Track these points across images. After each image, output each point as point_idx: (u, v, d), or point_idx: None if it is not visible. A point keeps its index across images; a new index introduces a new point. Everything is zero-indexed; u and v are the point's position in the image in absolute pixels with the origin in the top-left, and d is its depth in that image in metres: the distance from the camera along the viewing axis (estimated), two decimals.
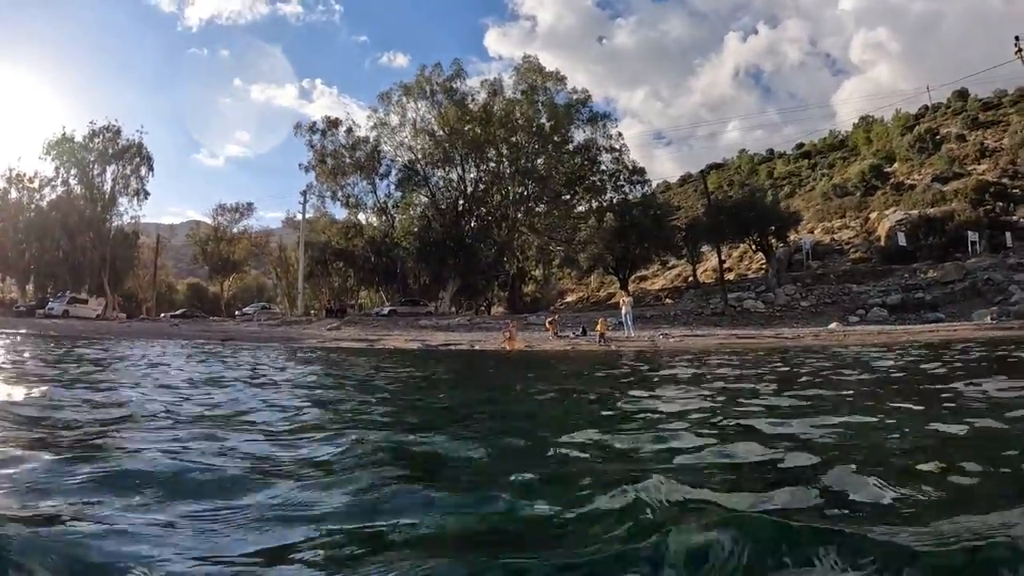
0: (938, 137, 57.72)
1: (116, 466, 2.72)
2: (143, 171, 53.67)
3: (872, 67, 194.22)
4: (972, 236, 36.19)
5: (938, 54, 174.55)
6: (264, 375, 9.56)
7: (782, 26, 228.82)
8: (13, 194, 52.68)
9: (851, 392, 6.84)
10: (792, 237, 44.80)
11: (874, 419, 4.45)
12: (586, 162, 48.91)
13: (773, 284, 37.68)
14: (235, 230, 64.62)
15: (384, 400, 6.74)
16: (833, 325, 26.56)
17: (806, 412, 4.97)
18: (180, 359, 12.94)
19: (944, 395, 6.04)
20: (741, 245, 47.36)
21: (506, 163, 49.20)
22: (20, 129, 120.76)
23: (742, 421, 4.53)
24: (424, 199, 52.20)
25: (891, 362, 11.01)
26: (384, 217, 53.08)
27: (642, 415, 5.24)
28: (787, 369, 10.58)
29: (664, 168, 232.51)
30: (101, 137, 52.49)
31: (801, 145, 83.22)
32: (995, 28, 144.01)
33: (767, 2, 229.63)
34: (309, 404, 5.88)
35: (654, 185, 58.79)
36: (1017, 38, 33.08)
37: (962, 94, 68.72)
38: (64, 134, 51.83)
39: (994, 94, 66.04)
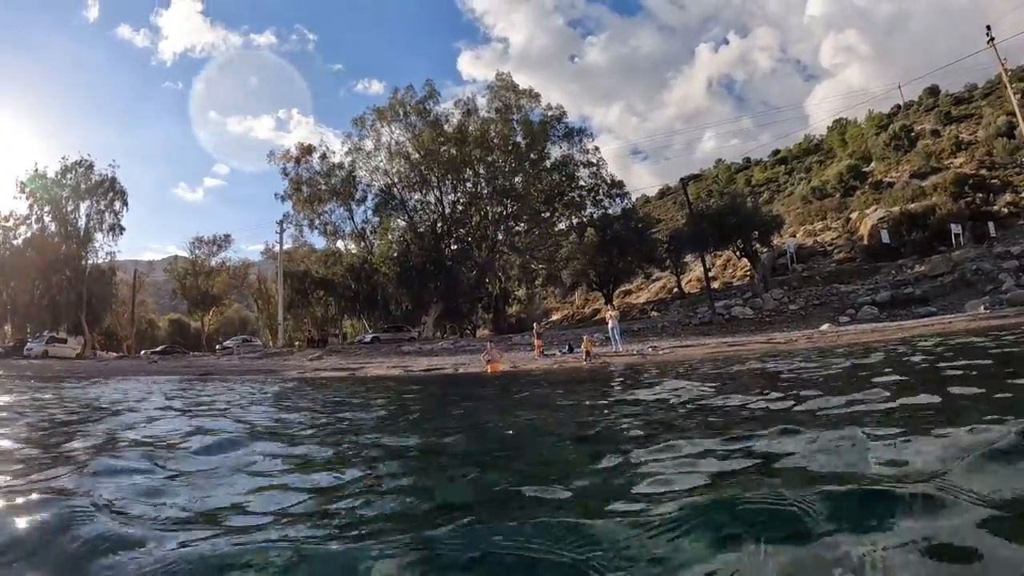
0: (913, 134, 58.06)
1: None
2: (117, 206, 52.34)
3: (843, 70, 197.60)
4: (955, 229, 36.11)
5: (907, 52, 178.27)
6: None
7: (752, 35, 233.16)
8: None
9: None
10: (775, 241, 44.44)
11: None
12: (564, 178, 48.26)
13: (760, 289, 37.22)
14: (213, 263, 63.36)
15: None
16: (825, 326, 26.04)
17: None
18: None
19: None
20: (724, 253, 46.96)
21: (483, 183, 48.62)
22: None
23: None
24: (402, 223, 51.31)
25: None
26: (362, 243, 52.18)
27: None
28: None
29: (642, 182, 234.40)
30: (74, 172, 51.19)
31: (777, 151, 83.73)
32: (961, 23, 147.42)
33: (736, 12, 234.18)
34: None
35: (633, 199, 58.39)
36: (989, 27, 33.45)
37: (933, 90, 69.69)
38: (37, 171, 50.61)
39: (965, 88, 67.10)
